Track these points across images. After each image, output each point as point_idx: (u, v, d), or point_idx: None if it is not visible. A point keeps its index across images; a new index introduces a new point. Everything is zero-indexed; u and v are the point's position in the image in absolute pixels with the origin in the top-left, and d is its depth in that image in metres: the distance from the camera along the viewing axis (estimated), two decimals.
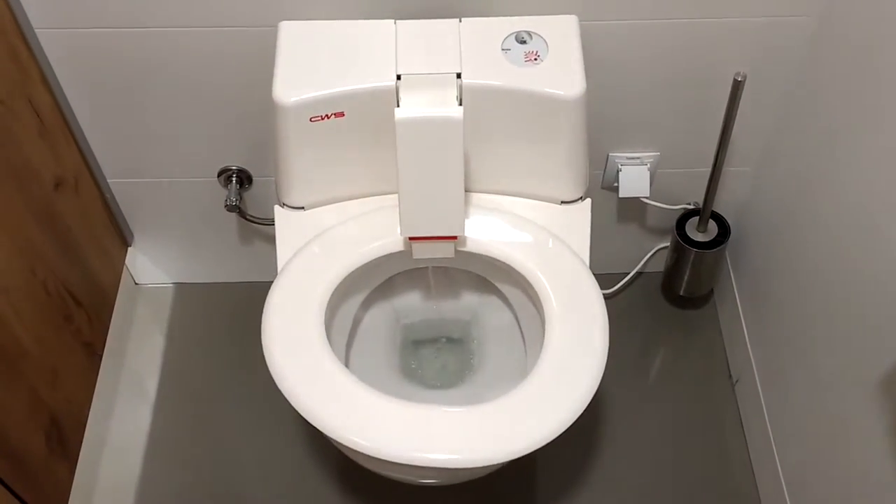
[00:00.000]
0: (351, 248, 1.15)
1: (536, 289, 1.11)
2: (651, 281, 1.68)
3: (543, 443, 1.00)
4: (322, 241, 1.15)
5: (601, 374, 1.04)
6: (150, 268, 1.64)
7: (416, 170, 1.05)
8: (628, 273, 1.64)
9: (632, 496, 1.46)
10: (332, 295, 1.12)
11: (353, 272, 1.14)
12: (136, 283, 1.66)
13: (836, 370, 1.19)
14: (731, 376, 1.57)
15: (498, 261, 1.15)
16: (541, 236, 1.15)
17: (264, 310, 1.10)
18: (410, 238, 1.14)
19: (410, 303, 1.34)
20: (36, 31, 1.20)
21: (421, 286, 1.33)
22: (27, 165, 1.25)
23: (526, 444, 0.99)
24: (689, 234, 1.46)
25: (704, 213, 1.44)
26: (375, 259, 1.16)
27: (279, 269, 1.15)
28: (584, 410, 1.02)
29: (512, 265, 1.14)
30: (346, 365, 1.23)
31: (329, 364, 1.05)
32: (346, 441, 0.99)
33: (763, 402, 1.43)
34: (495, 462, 0.99)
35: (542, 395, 1.03)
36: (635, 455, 1.50)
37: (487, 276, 1.25)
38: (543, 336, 1.08)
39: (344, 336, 1.23)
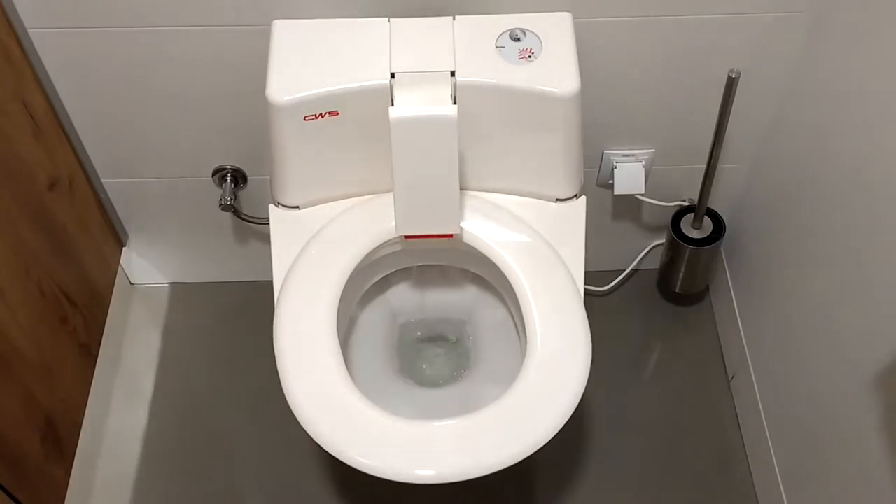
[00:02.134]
0: (349, 249, 1.14)
1: (519, 297, 1.11)
2: (647, 278, 1.68)
3: (523, 457, 1.00)
4: (319, 245, 1.15)
5: (582, 389, 1.04)
6: (145, 268, 1.64)
7: (411, 168, 1.05)
8: (624, 270, 1.64)
9: (628, 491, 1.46)
10: (339, 303, 1.12)
11: (352, 274, 1.14)
12: (131, 284, 1.66)
13: (831, 366, 1.19)
14: (727, 373, 1.58)
15: (491, 261, 1.15)
16: (534, 237, 1.15)
17: (274, 331, 1.09)
18: (406, 236, 1.14)
19: (407, 302, 1.34)
20: (29, 31, 1.20)
21: (417, 285, 1.33)
22: (21, 166, 1.24)
23: (501, 460, 1.00)
24: (684, 230, 1.47)
25: (699, 209, 1.44)
26: (373, 257, 1.16)
27: (274, 269, 1.15)
28: (577, 414, 1.02)
29: (501, 267, 1.14)
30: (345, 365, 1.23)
31: (341, 386, 1.05)
32: (353, 463, 1.00)
33: (759, 398, 1.43)
34: (475, 476, 0.99)
35: (524, 407, 1.03)
36: (631, 451, 1.50)
37: (483, 274, 1.25)
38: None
39: (341, 336, 1.22)
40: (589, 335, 1.08)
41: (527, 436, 1.01)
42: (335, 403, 1.03)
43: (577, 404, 1.03)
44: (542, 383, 1.04)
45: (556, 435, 1.02)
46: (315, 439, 1.01)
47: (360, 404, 1.03)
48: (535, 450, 1.00)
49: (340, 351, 1.07)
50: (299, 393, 1.04)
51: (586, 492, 1.46)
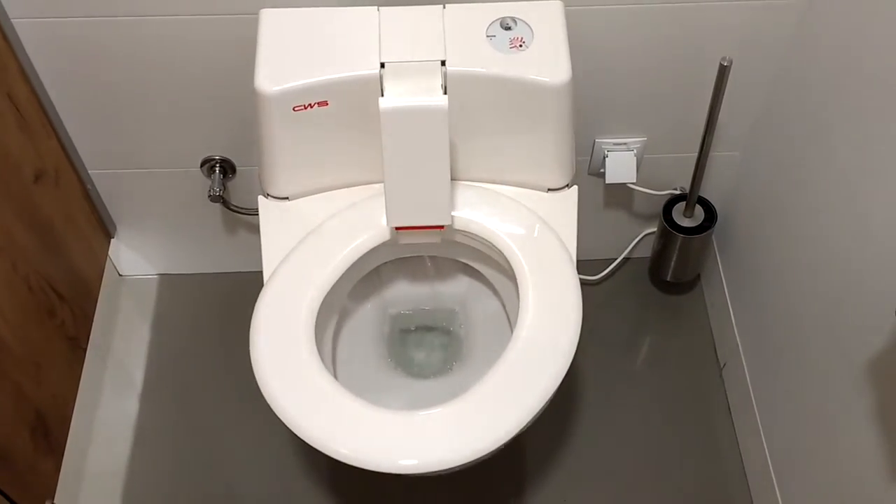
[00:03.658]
0: (339, 249, 1.13)
1: (517, 274, 1.11)
2: (638, 266, 1.68)
3: (501, 442, 0.99)
4: (309, 243, 1.14)
5: (564, 372, 1.04)
6: (133, 259, 1.63)
7: (402, 159, 1.04)
8: (615, 259, 1.64)
9: (619, 481, 1.46)
10: (323, 302, 1.11)
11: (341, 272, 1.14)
12: (119, 275, 1.64)
13: (822, 354, 1.19)
14: (718, 361, 1.58)
15: (484, 248, 1.15)
16: (528, 223, 1.15)
17: (252, 322, 1.08)
18: (397, 228, 1.13)
19: (398, 293, 1.33)
20: (13, 21, 1.18)
21: (408, 276, 1.32)
22: (6, 159, 1.23)
23: (481, 447, 0.99)
24: (675, 219, 1.46)
25: (691, 198, 1.43)
26: (364, 254, 1.15)
27: (264, 260, 1.14)
28: (568, 400, 1.02)
29: (497, 246, 1.13)
30: (334, 357, 1.22)
31: (313, 373, 1.04)
32: (328, 451, 0.99)
33: (750, 387, 1.43)
34: (454, 465, 0.99)
35: (502, 393, 1.02)
36: (623, 440, 1.50)
37: (474, 265, 1.25)
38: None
39: (331, 327, 1.22)
40: (580, 316, 1.08)
41: (505, 421, 1.00)
42: (312, 394, 1.03)
43: (556, 387, 1.03)
44: (523, 365, 1.04)
45: (541, 418, 1.01)
46: (293, 429, 1.01)
47: (337, 394, 1.02)
48: (513, 435, 1.00)
49: (315, 342, 1.06)
50: (273, 382, 1.03)
51: (576, 481, 1.46)
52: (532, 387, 1.02)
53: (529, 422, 1.01)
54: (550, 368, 1.04)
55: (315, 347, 1.06)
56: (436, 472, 1.00)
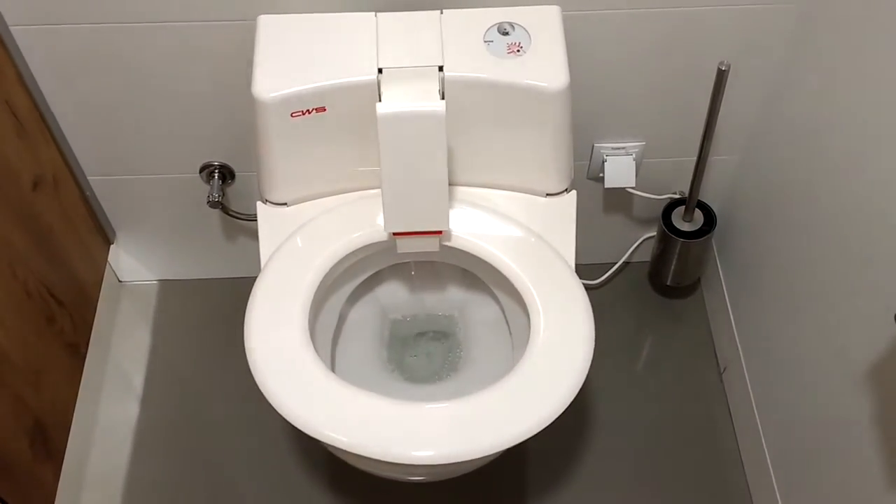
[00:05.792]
0: (334, 240, 1.13)
1: (519, 288, 1.11)
2: (638, 271, 1.68)
3: (523, 438, 0.99)
4: (305, 235, 1.14)
5: (584, 375, 1.04)
6: (133, 265, 1.63)
7: (400, 164, 1.04)
8: (615, 263, 1.64)
9: (620, 485, 1.46)
10: (317, 290, 1.11)
11: (336, 266, 1.13)
12: (119, 281, 1.64)
13: (823, 358, 1.19)
14: (718, 365, 1.58)
15: (482, 258, 1.15)
16: (525, 231, 1.15)
17: (248, 307, 1.09)
18: (395, 233, 1.13)
19: (397, 298, 1.33)
20: (11, 28, 1.18)
21: (407, 281, 1.32)
22: (5, 166, 1.23)
23: (504, 440, 0.99)
24: (675, 223, 1.46)
25: (690, 202, 1.43)
26: (359, 251, 1.15)
27: (262, 265, 1.14)
28: (571, 405, 1.01)
29: (494, 263, 1.13)
30: (333, 361, 1.22)
31: (311, 363, 1.04)
32: (325, 439, 0.99)
33: (751, 391, 1.43)
34: (471, 458, 0.98)
35: (525, 391, 1.02)
36: (624, 444, 1.50)
37: (473, 271, 1.24)
38: (529, 332, 1.07)
39: (330, 332, 1.22)
40: (592, 321, 1.08)
41: (529, 416, 1.00)
42: (305, 380, 1.03)
43: (577, 390, 1.02)
44: (543, 369, 1.04)
45: (553, 423, 1.01)
46: (287, 417, 1.01)
47: (329, 379, 1.02)
48: (531, 434, 1.00)
49: (309, 334, 1.07)
50: (267, 373, 1.04)
51: (578, 484, 1.46)
52: (554, 390, 1.02)
53: (547, 425, 1.01)
54: (570, 375, 1.03)
55: (308, 334, 1.06)
56: (432, 465, 0.99)
